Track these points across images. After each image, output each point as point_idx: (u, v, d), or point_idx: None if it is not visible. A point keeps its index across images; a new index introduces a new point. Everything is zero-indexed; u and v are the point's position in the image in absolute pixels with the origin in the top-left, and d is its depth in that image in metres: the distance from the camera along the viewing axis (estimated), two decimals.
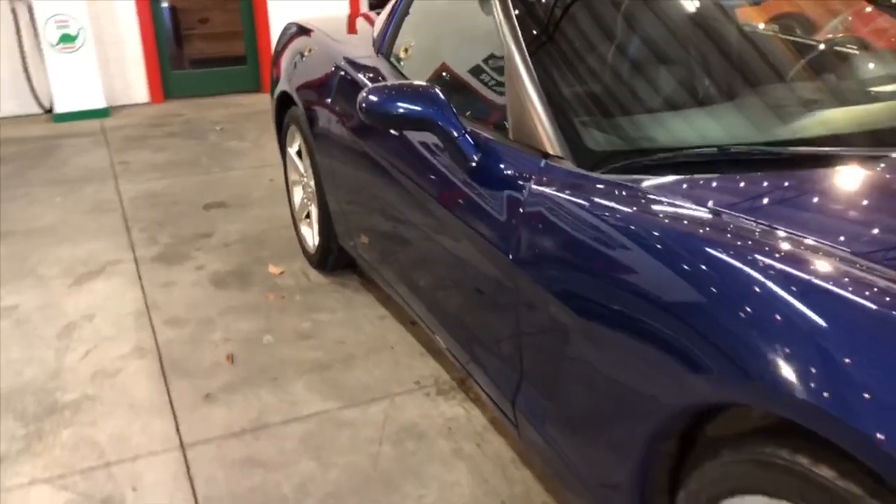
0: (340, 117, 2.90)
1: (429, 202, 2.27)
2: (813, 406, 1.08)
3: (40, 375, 2.82)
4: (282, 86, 3.57)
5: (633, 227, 1.52)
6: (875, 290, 1.16)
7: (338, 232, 3.24)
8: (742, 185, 1.67)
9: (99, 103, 6.51)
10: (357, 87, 2.77)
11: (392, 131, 2.47)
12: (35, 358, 2.93)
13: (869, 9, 2.73)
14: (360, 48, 3.12)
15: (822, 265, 1.25)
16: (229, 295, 3.40)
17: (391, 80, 2.51)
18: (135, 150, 5.61)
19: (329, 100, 3.01)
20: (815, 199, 1.63)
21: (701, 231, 1.42)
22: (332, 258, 3.44)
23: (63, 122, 6.35)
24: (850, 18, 2.71)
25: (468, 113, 2.26)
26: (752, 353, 1.17)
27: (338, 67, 3.02)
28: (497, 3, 2.24)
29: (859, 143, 1.84)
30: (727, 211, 1.49)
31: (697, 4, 2.46)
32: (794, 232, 1.37)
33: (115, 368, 2.85)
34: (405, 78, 2.70)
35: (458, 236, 2.11)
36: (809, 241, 1.33)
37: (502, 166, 1.98)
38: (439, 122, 2.04)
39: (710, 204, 1.54)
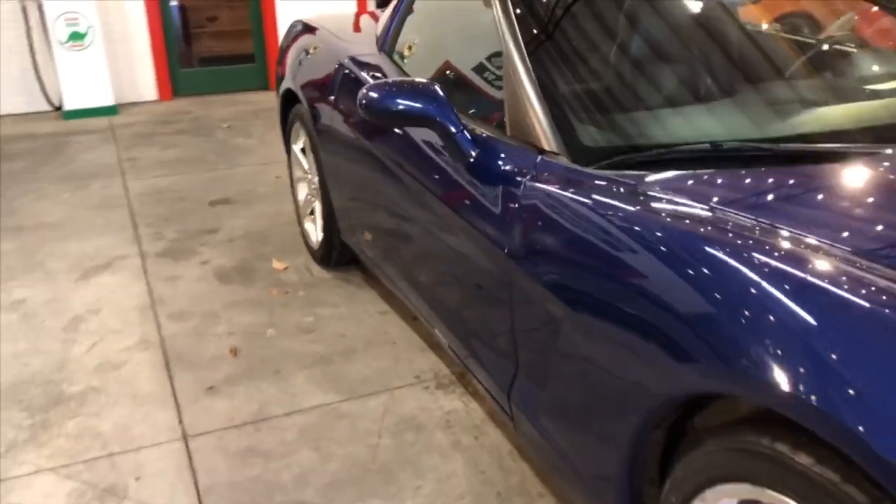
0: (343, 114, 2.94)
1: (429, 198, 2.30)
2: (797, 398, 1.10)
3: (47, 367, 2.86)
4: (286, 83, 3.60)
5: (626, 222, 1.55)
6: (864, 286, 1.18)
7: (341, 228, 3.27)
8: (734, 180, 1.69)
9: (108, 101, 6.56)
10: (359, 84, 2.80)
11: (392, 128, 2.50)
12: (42, 350, 2.98)
13: (874, 8, 2.74)
14: (364, 46, 3.15)
15: (813, 260, 1.27)
16: (233, 289, 3.44)
17: (392, 78, 2.55)
18: (142, 147, 5.66)
19: (332, 97, 3.05)
20: (808, 195, 1.64)
21: (693, 226, 1.44)
22: (335, 254, 3.47)
23: (72, 120, 6.40)
24: (855, 17, 2.73)
25: (471, 111, 2.28)
26: (739, 345, 1.20)
27: (341, 65, 3.06)
28: (496, 1, 2.27)
29: (853, 140, 1.87)
30: (719, 206, 1.52)
31: (694, 2, 2.48)
32: (785, 227, 1.39)
33: (119, 361, 2.90)
34: (407, 75, 2.73)
35: (457, 232, 2.14)
36: (800, 236, 1.35)
37: (499, 162, 2.01)
38: (438, 119, 2.07)
39: (703, 199, 1.56)
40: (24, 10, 6.34)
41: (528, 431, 1.93)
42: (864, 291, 1.16)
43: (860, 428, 1.03)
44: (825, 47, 2.41)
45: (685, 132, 1.95)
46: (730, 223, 1.42)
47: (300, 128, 3.51)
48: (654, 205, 1.56)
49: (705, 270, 1.33)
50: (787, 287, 1.21)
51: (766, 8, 2.80)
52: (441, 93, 2.08)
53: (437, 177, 2.26)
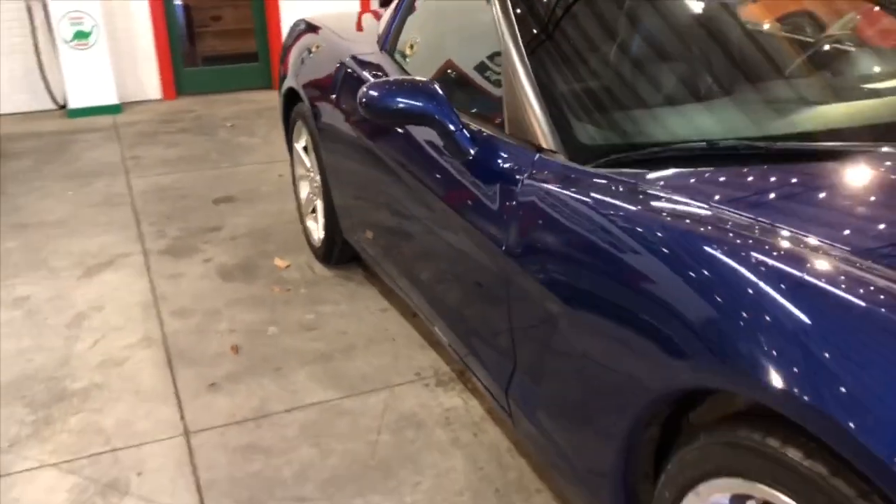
0: (344, 113, 2.95)
1: (428, 196, 2.32)
2: (789, 395, 1.12)
3: (50, 363, 2.88)
4: (289, 82, 3.62)
5: (622, 220, 1.56)
6: (859, 285, 1.19)
7: (342, 226, 3.29)
8: (731, 178, 1.71)
9: (112, 99, 6.59)
10: (360, 83, 2.80)
11: (392, 127, 2.52)
12: (45, 347, 3.00)
13: (875, 8, 2.75)
14: (366, 45, 3.17)
15: (809, 259, 1.28)
16: (235, 287, 3.46)
17: (392, 76, 2.56)
18: (146, 146, 5.68)
19: (333, 96, 3.07)
20: (806, 194, 1.66)
21: (689, 224, 1.45)
22: (336, 252, 3.49)
23: (76, 118, 6.43)
24: (857, 17, 2.73)
25: (472, 110, 2.30)
26: (734, 341, 1.21)
27: (342, 64, 3.08)
28: (496, 0, 2.28)
29: (850, 139, 1.88)
30: (716, 204, 1.53)
31: (691, 1, 2.49)
32: (782, 226, 1.40)
33: (122, 357, 2.92)
34: (408, 74, 2.75)
35: (456, 229, 2.15)
36: (797, 235, 1.36)
37: (497, 160, 2.03)
38: (437, 117, 2.09)
39: (699, 196, 1.58)
40: (29, 10, 6.36)
41: (526, 428, 1.94)
42: (858, 290, 1.17)
43: (851, 424, 1.04)
44: (823, 46, 2.42)
45: (682, 131, 1.96)
46: (727, 221, 1.43)
47: (302, 126, 3.53)
48: (651, 203, 1.58)
49: (702, 268, 1.34)
50: (782, 285, 1.22)
51: (767, 8, 2.81)
52: (440, 91, 2.10)
53: (436, 175, 2.27)
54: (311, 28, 3.69)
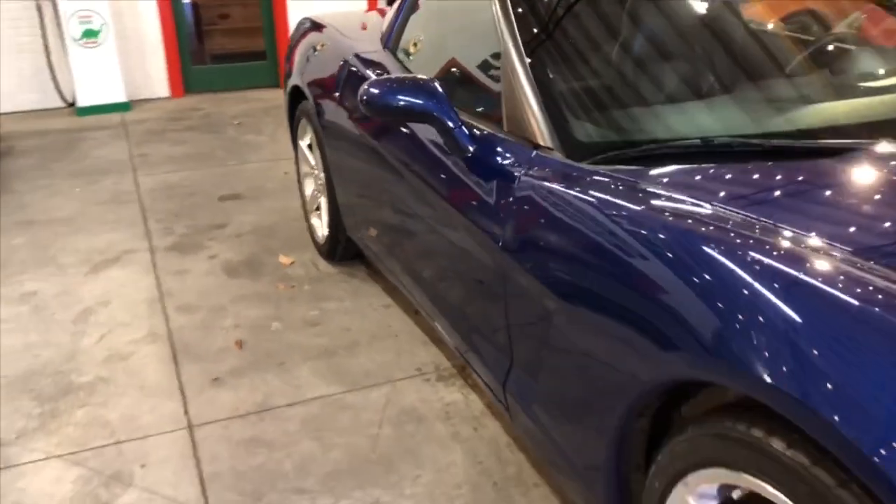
0: (347, 111, 2.98)
1: (429, 194, 2.35)
2: (777, 389, 1.14)
3: (56, 358, 2.92)
4: (294, 80, 3.66)
5: (618, 217, 1.58)
6: (852, 283, 1.20)
7: (346, 223, 3.32)
8: (722, 174, 1.73)
9: (120, 97, 6.64)
10: (363, 81, 2.84)
11: (395, 125, 2.55)
12: (52, 341, 3.04)
13: (877, 8, 2.75)
14: (369, 43, 3.19)
15: (803, 256, 1.29)
16: (241, 283, 3.49)
17: (394, 74, 2.59)
18: (154, 144, 5.73)
19: (337, 94, 3.10)
20: (802, 191, 1.67)
21: (683, 219, 1.47)
22: (340, 249, 3.52)
23: (85, 116, 6.49)
24: (863, 16, 2.74)
25: (474, 108, 2.32)
26: (726, 337, 1.23)
27: (346, 62, 3.10)
28: (496, 0, 2.31)
29: (846, 136, 1.89)
30: (710, 200, 1.55)
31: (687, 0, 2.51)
32: (778, 224, 1.42)
33: (128, 352, 2.95)
34: (410, 72, 2.77)
35: (455, 226, 2.18)
36: (793, 232, 1.38)
37: (496, 157, 2.05)
38: (436, 114, 2.11)
39: (693, 193, 1.59)
40: (38, 8, 6.42)
41: (523, 422, 1.97)
42: (851, 289, 1.18)
43: (835, 417, 1.07)
44: (822, 44, 2.43)
45: (677, 128, 1.98)
46: (722, 219, 1.45)
47: (307, 124, 3.56)
48: (647, 200, 1.60)
49: (697, 264, 1.35)
50: (775, 283, 1.23)
51: (771, 7, 2.82)
52: (440, 89, 2.12)
53: (436, 172, 2.30)
54: (316, 26, 3.72)
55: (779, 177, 1.68)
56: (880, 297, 1.16)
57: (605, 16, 2.32)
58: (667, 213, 1.51)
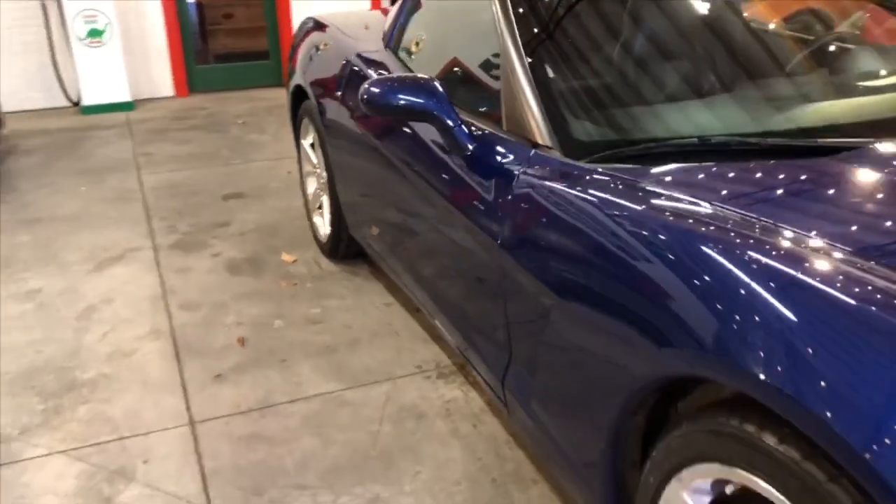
0: (349, 110, 3.00)
1: (430, 193, 2.36)
2: (772, 386, 1.15)
3: (60, 354, 2.95)
4: (296, 79, 3.67)
5: (614, 214, 1.59)
6: (849, 282, 1.20)
7: (348, 222, 3.33)
8: (720, 173, 1.74)
9: (125, 97, 6.67)
10: (365, 80, 2.86)
11: (396, 125, 2.56)
12: (55, 338, 3.06)
13: (878, 8, 2.76)
14: (371, 43, 3.21)
15: (800, 255, 1.30)
16: (243, 281, 3.51)
17: (395, 73, 2.61)
18: (158, 143, 5.75)
19: (339, 93, 3.11)
20: (801, 189, 1.68)
21: (681, 217, 1.48)
22: (342, 247, 3.54)
23: (90, 115, 6.52)
24: (866, 16, 2.75)
25: (475, 107, 2.33)
26: (722, 335, 1.24)
27: (348, 62, 3.12)
28: (496, 0, 2.32)
29: (845, 135, 1.90)
30: (706, 198, 1.55)
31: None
32: (776, 222, 1.42)
33: (131, 349, 2.97)
34: (411, 72, 2.79)
35: (455, 225, 2.19)
36: (791, 231, 1.38)
37: (495, 156, 2.07)
38: (436, 113, 2.13)
39: (691, 191, 1.60)
40: (43, 8, 6.45)
41: (522, 418, 1.98)
42: (849, 288, 1.19)
43: (828, 414, 1.08)
44: (822, 44, 2.44)
45: (675, 127, 2.00)
46: (720, 217, 1.46)
47: (309, 123, 3.58)
48: (644, 198, 1.61)
49: (695, 262, 1.36)
50: (772, 282, 1.24)
51: (772, 7, 2.83)
52: (440, 88, 2.14)
53: (437, 171, 2.31)
54: (319, 26, 3.74)
55: (779, 176, 1.69)
56: (878, 296, 1.16)
57: (605, 15, 2.33)
58: (665, 212, 1.52)
